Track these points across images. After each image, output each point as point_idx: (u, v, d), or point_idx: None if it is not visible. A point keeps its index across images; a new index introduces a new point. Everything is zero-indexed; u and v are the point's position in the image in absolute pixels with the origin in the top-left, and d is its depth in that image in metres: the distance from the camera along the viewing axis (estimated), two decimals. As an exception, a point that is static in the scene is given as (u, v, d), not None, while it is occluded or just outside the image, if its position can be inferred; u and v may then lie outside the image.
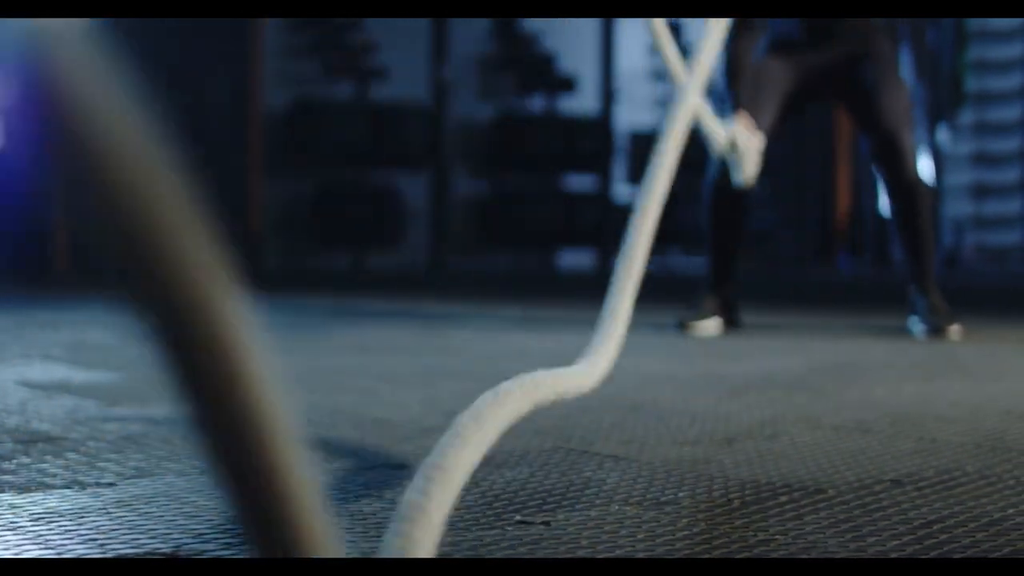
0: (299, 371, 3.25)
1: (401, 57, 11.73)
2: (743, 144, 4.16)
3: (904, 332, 4.43)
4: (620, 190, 13.27)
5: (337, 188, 11.30)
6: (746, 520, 1.50)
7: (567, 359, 3.37)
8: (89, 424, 2.24)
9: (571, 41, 12.88)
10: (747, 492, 1.66)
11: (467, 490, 1.66)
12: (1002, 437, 2.13)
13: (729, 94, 4.49)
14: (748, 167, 4.20)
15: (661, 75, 14.04)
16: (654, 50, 13.68)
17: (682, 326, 4.49)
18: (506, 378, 2.89)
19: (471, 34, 12.29)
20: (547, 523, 1.47)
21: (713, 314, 4.56)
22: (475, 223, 12.28)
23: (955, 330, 4.27)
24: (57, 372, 3.08)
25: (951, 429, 2.22)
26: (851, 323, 4.99)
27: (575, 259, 13.01)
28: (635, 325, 4.74)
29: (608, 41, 12.79)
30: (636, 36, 13.44)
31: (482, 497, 1.62)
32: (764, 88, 4.52)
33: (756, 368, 3.32)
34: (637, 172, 13.36)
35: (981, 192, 14.00)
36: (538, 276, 11.32)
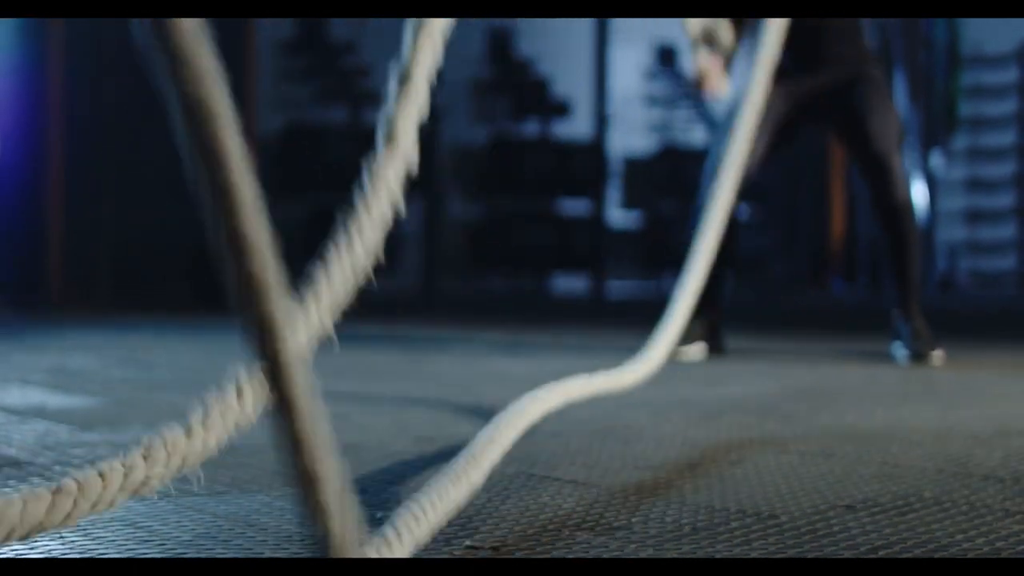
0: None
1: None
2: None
3: (886, 357, 4.44)
4: (614, 214, 13.29)
5: (330, 212, 11.33)
6: (694, 546, 1.50)
7: (545, 385, 3.38)
8: (58, 449, 2.24)
9: (565, 66, 12.91)
10: (700, 518, 1.67)
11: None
12: (965, 462, 2.14)
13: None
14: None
15: (655, 100, 14.08)
16: (649, 76, 13.70)
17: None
18: (480, 404, 2.91)
19: (465, 58, 12.33)
20: (495, 548, 1.48)
21: (698, 339, 4.56)
22: (468, 247, 12.30)
23: (937, 356, 4.28)
24: (34, 397, 3.09)
25: (915, 454, 2.23)
26: (836, 348, 5.00)
27: (569, 283, 13.03)
28: (620, 350, 4.75)
29: (602, 66, 12.82)
30: (630, 61, 13.48)
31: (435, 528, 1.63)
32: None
33: (732, 393, 3.33)
34: (631, 197, 13.39)
35: (975, 218, 14.02)
36: (531, 300, 11.33)
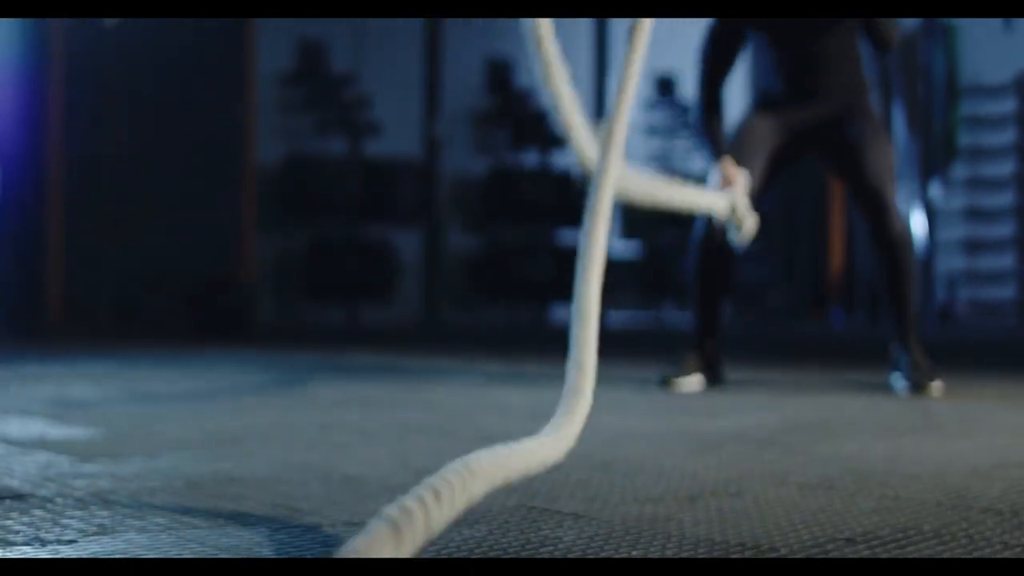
0: (275, 426, 3.26)
1: (395, 113, 11.79)
2: (741, 206, 4.24)
3: (885, 388, 4.44)
4: (613, 244, 13.30)
5: (330, 242, 11.34)
6: (694, 579, 1.51)
7: (545, 416, 3.38)
8: (59, 480, 2.25)
9: (565, 96, 12.96)
10: (700, 551, 1.67)
11: (422, 549, 1.68)
12: (964, 495, 2.15)
13: (705, 136, 4.54)
14: (747, 226, 4.28)
15: (655, 130, 14.12)
16: (649, 106, 13.74)
17: (665, 382, 4.51)
18: (481, 435, 2.91)
19: (465, 89, 12.36)
20: (496, 581, 1.49)
21: (696, 370, 4.57)
22: (468, 277, 12.31)
23: (936, 386, 4.29)
24: (35, 428, 3.09)
25: (915, 486, 2.24)
26: (834, 379, 5.01)
27: (568, 313, 13.03)
28: (619, 380, 4.75)
29: (601, 97, 12.86)
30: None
31: (436, 556, 1.63)
32: (751, 145, 4.56)
33: (731, 424, 3.33)
34: (630, 227, 13.42)
35: (974, 247, 14.04)
36: (530, 330, 11.34)
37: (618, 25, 13.41)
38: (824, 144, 4.61)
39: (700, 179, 4.90)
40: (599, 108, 12.86)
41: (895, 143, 4.79)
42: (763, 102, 4.66)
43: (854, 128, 4.52)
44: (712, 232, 4.53)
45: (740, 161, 4.51)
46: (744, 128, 4.60)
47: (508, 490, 2.17)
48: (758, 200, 4.59)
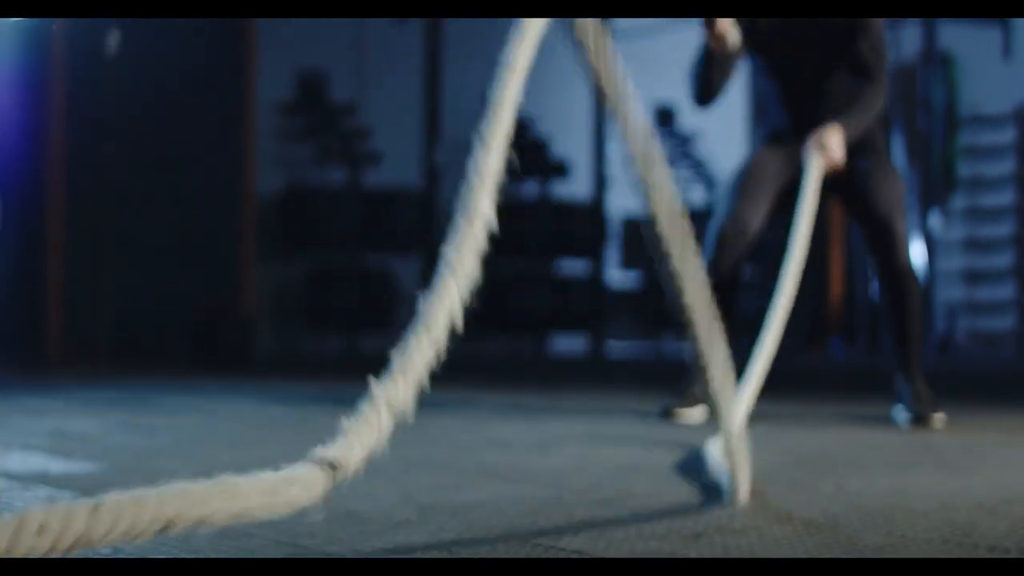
0: (275, 459, 3.25)
1: (394, 142, 11.80)
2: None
3: (888, 421, 4.44)
4: (613, 275, 13.31)
5: (330, 271, 11.34)
6: (701, 620, 1.50)
7: (547, 450, 3.37)
8: (60, 517, 2.24)
9: (564, 127, 12.97)
10: (707, 590, 1.66)
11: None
12: (971, 532, 2.14)
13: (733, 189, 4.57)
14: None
15: (654, 160, 14.10)
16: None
17: (667, 414, 4.50)
18: (484, 470, 2.90)
19: (464, 119, 12.39)
20: (502, 623, 1.48)
21: (699, 402, 4.56)
22: (467, 307, 12.30)
23: (939, 419, 4.28)
24: (36, 462, 3.08)
25: (921, 524, 2.23)
26: (836, 412, 5.00)
27: (568, 344, 13.02)
28: (620, 412, 4.74)
29: (600, 126, 12.88)
30: (629, 122, 13.54)
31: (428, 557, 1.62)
32: (759, 178, 4.57)
33: (734, 459, 3.31)
34: (629, 257, 13.42)
35: (974, 278, 14.04)
36: (530, 361, 11.32)
37: (618, 26, 13.45)
38: (832, 178, 4.61)
39: (699, 212, 4.91)
40: (599, 120, 12.89)
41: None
42: (771, 138, 4.68)
43: (862, 161, 4.53)
44: (716, 261, 4.53)
45: (748, 193, 4.53)
46: (752, 162, 4.62)
47: (512, 528, 2.16)
48: (763, 233, 4.60)
